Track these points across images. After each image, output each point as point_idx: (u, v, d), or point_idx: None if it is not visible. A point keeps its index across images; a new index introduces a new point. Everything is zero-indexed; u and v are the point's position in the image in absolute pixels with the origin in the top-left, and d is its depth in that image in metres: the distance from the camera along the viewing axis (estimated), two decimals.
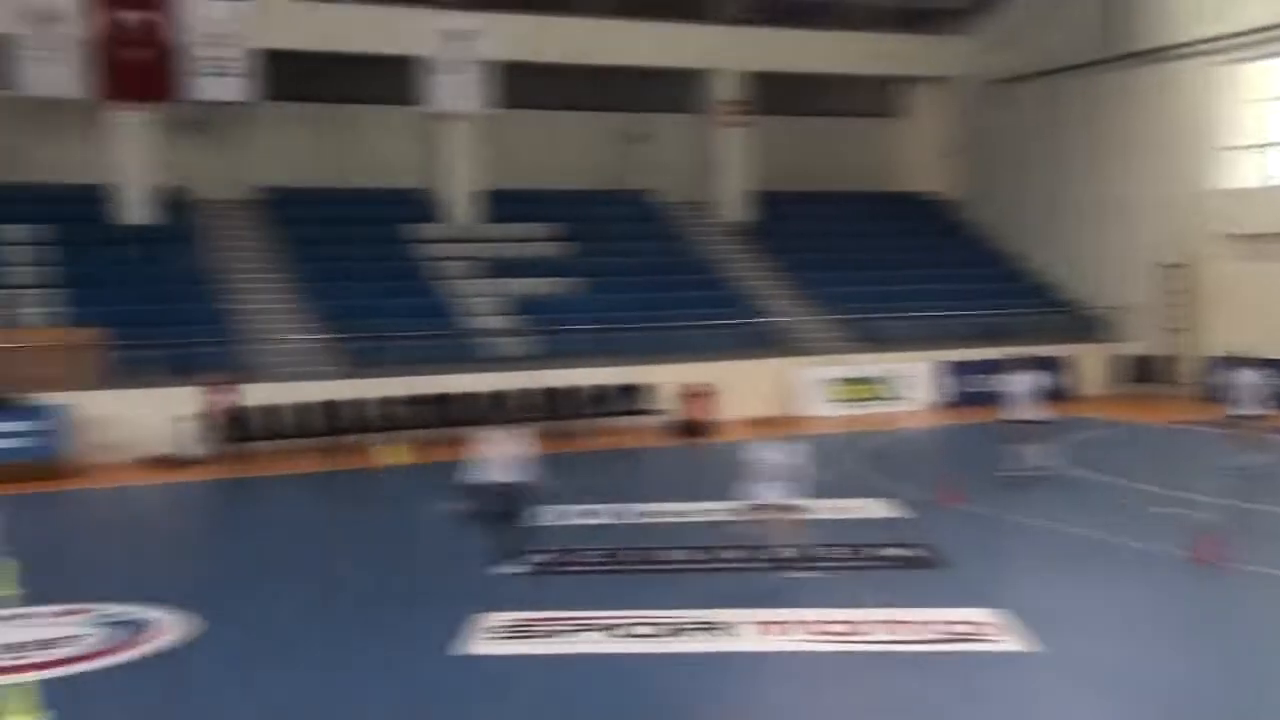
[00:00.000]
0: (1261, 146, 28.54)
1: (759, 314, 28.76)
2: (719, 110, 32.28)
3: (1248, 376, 18.98)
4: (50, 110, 26.71)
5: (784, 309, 29.49)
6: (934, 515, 15.97)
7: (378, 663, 10.46)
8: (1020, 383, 18.32)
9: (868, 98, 36.11)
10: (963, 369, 27.72)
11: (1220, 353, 25.33)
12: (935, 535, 14.64)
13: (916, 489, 17.67)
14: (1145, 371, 29.47)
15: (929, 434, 25.78)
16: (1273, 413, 19.03)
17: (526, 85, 29.73)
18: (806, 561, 13.23)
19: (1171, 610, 12.11)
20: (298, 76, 28.27)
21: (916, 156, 36.09)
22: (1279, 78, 28.20)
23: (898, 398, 27.80)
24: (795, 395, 26.64)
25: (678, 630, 11.11)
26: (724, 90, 32.26)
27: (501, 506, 13.13)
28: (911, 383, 27.98)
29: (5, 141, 27.49)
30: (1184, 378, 28.49)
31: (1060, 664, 10.15)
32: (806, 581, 12.72)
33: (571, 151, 32.33)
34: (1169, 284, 29.18)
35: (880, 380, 27.83)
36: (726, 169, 32.70)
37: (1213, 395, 23.32)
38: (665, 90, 32.66)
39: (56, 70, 25.37)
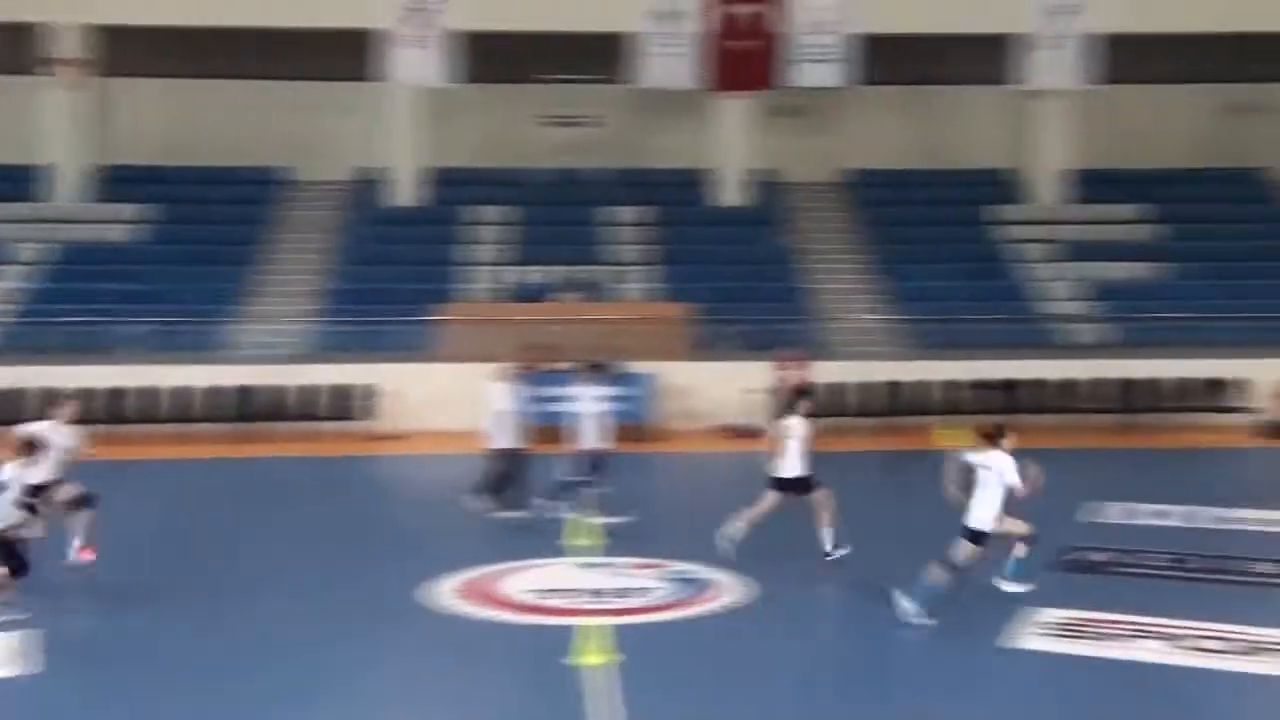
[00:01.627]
0: None
1: None
2: None
3: None
4: (662, 100, 28.84)
5: None
6: None
7: (920, 646, 10.60)
8: None
9: None
10: None
11: None
12: None
13: None
14: None
15: None
16: None
17: (1126, 58, 28.04)
18: None
19: None
20: (889, 59, 28.55)
21: None
22: None
23: None
24: None
25: (1255, 648, 10.27)
26: None
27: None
28: None
29: (624, 129, 30.16)
30: None
31: None
32: None
33: (1170, 127, 30.19)
34: None
35: None
36: None
37: None
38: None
39: (673, 63, 27.34)
